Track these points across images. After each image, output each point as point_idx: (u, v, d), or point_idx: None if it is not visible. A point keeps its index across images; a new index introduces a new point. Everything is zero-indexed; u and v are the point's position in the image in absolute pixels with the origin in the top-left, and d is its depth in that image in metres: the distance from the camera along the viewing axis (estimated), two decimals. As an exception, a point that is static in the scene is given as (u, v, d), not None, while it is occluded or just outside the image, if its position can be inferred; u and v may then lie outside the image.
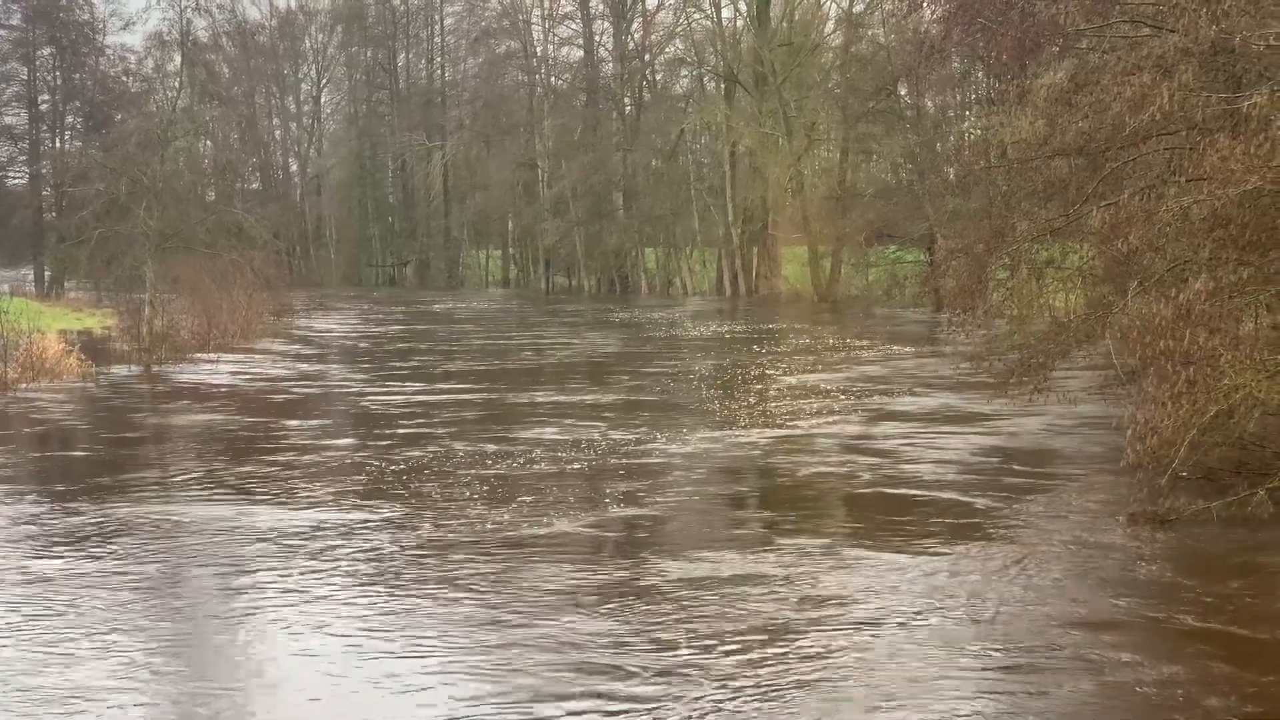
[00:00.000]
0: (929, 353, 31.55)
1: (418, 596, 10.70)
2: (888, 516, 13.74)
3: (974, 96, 55.55)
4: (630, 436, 18.78)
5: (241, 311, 42.09)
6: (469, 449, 17.72)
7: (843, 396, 23.27)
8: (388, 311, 61.67)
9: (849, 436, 18.80)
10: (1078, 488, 14.91)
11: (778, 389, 24.86)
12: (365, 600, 10.61)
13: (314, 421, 21.20)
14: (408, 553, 12.13)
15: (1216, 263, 13.25)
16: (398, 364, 32.12)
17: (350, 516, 13.64)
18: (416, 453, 17.45)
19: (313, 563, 11.78)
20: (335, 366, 31.97)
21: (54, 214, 73.10)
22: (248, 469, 16.67)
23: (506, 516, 13.46)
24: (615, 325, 47.20)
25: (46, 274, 72.71)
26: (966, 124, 52.13)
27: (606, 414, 21.49)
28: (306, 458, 17.41)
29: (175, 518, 13.71)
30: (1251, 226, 13.01)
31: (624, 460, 16.79)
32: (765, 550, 12.07)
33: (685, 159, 75.14)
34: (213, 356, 35.13)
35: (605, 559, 11.93)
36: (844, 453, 17.45)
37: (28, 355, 28.54)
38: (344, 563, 11.78)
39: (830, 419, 20.49)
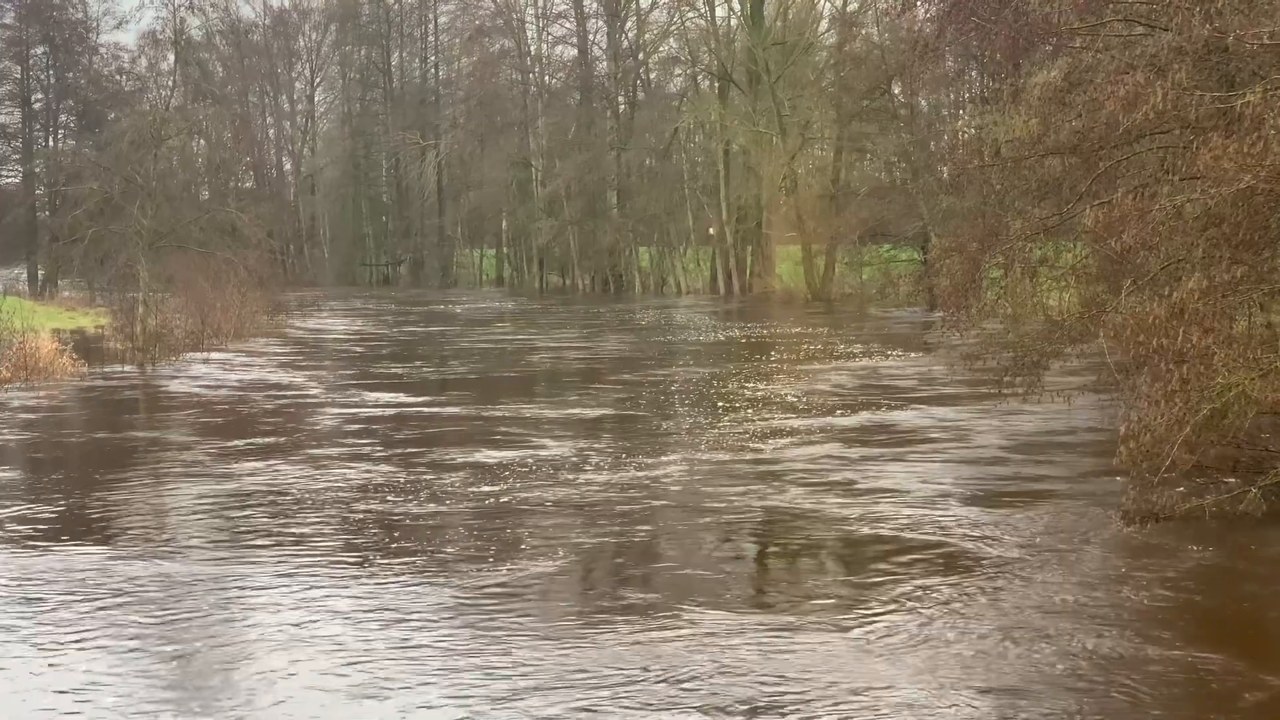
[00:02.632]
0: (919, 358, 30.64)
1: (189, 685, 8.89)
2: (838, 566, 12.11)
3: (968, 95, 55.60)
4: (570, 459, 17.32)
5: (235, 311, 42.08)
6: (393, 476, 16.25)
7: (820, 411, 21.89)
8: (381, 311, 61.60)
9: (815, 461, 17.11)
10: (1066, 504, 14.06)
11: (754, 401, 23.36)
12: (119, 675, 9.00)
13: (259, 439, 19.93)
14: (208, 633, 9.95)
15: (1210, 261, 13.25)
16: (379, 369, 31.58)
17: (191, 569, 11.76)
18: (335, 480, 16.06)
19: (93, 629, 10.06)
20: (316, 372, 31.36)
21: (47, 213, 73.08)
22: (142, 501, 15.30)
23: (376, 570, 11.68)
24: (606, 327, 46.88)
25: (40, 273, 72.65)
26: (960, 123, 52.15)
27: (562, 431, 20.21)
28: (218, 486, 15.96)
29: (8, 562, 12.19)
30: (1245, 225, 13.02)
31: (547, 493, 15.04)
32: (665, 624, 9.89)
33: (679, 158, 75.17)
34: (205, 356, 35.11)
35: (457, 639, 9.63)
36: (804, 484, 15.53)
37: (20, 354, 28.53)
38: (124, 639, 9.84)
39: (800, 439, 18.92)
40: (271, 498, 15.13)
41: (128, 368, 31.98)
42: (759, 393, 24.72)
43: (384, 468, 16.93)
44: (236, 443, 19.56)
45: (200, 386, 28.09)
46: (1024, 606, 10.32)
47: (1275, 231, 13.34)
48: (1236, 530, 12.45)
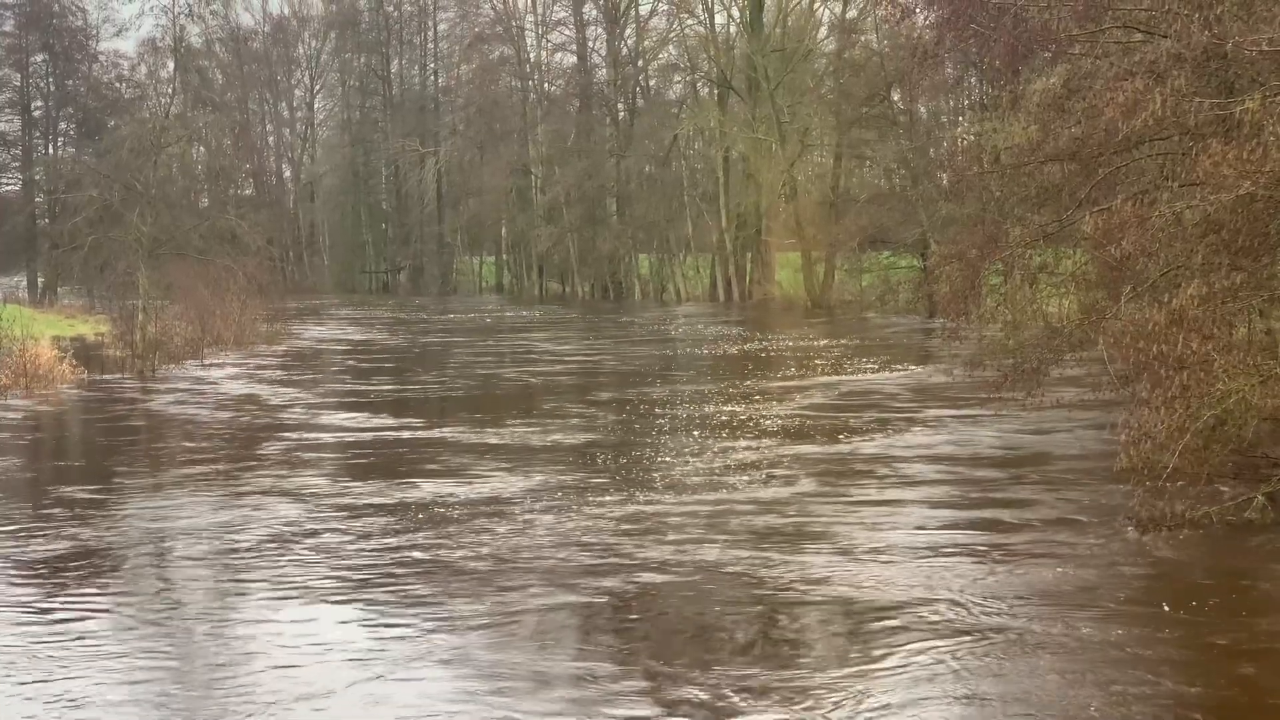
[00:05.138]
0: (915, 370, 29.88)
1: None
2: (774, 648, 10.05)
3: (967, 102, 55.63)
4: (506, 497, 15.67)
5: (235, 318, 42.12)
6: (313, 516, 14.88)
7: (800, 437, 20.21)
8: (381, 319, 61.51)
9: (777, 504, 15.07)
10: (1056, 553, 12.35)
11: (732, 426, 21.49)
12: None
13: (208, 466, 18.55)
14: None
15: (1209, 268, 13.27)
16: (366, 385, 30.43)
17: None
18: (250, 521, 14.70)
19: None
20: (304, 386, 30.50)
21: (47, 220, 73.14)
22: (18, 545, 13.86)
23: (204, 649, 10.27)
24: (603, 337, 46.37)
25: (40, 280, 72.69)
26: (960, 129, 52.27)
27: (515, 461, 18.49)
28: (103, 533, 14.47)
29: None
30: (1244, 232, 13.04)
31: (460, 547, 13.19)
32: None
33: (679, 165, 75.20)
34: (203, 364, 35.15)
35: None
36: (756, 533, 13.51)
37: (20, 362, 28.55)
38: None
39: (769, 473, 16.99)
40: (166, 544, 13.83)
41: (125, 377, 32.00)
42: (740, 415, 22.92)
43: (284, 509, 15.35)
44: (179, 471, 18.49)
45: (186, 401, 27.58)
46: (999, 703, 8.73)
47: (1275, 238, 13.34)
48: (1246, 557, 12.07)
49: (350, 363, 37.74)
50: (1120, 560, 12.10)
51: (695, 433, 21.11)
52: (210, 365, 34.98)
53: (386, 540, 13.59)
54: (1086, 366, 19.77)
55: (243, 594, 11.89)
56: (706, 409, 24.11)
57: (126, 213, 46.24)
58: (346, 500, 15.90)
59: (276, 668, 9.67)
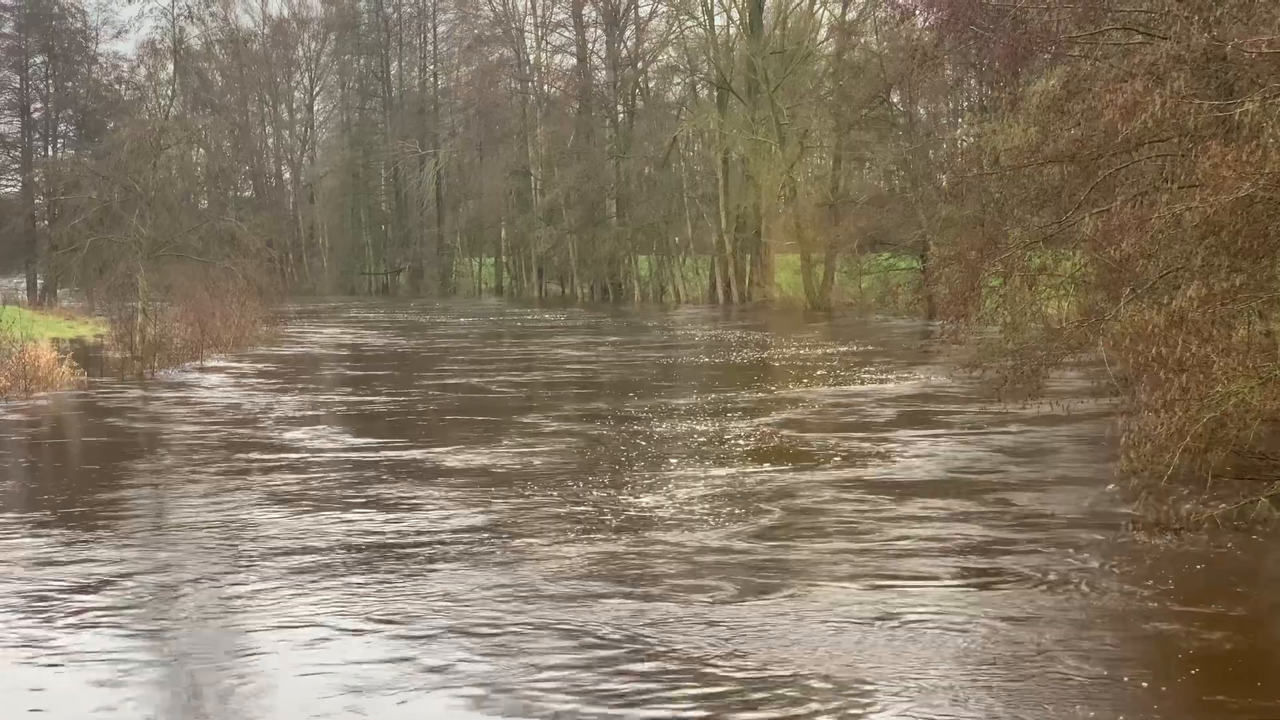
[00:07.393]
0: (912, 377, 29.39)
1: None
2: None
3: (966, 104, 55.65)
4: (433, 535, 14.10)
5: (234, 320, 42.13)
6: (188, 561, 13.19)
7: (780, 458, 18.64)
8: (379, 322, 61.43)
9: (725, 555, 13.01)
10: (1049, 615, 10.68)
11: (708, 450, 19.81)
12: None
13: (138, 490, 17.80)
14: None
15: (1209, 270, 13.26)
16: (350, 392, 29.59)
17: None
18: (127, 557, 13.37)
19: None
20: (289, 393, 29.90)
21: (46, 222, 73.05)
22: None
23: None
24: (596, 342, 45.95)
25: (39, 282, 72.70)
26: (959, 131, 52.26)
27: (462, 489, 16.94)
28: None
29: None
30: (1244, 233, 13.03)
31: (363, 604, 11.49)
32: None
33: (678, 167, 75.22)
34: (201, 367, 35.12)
35: None
36: (683, 594, 11.45)
37: (19, 364, 28.54)
38: None
39: (731, 509, 15.14)
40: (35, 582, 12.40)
41: (124, 379, 31.95)
42: (723, 434, 21.38)
43: (192, 549, 13.73)
44: (116, 495, 17.44)
45: (170, 412, 26.86)
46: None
47: (1274, 239, 13.33)
48: (1255, 592, 11.41)
49: (342, 369, 37.42)
50: (1113, 599, 11.03)
51: (672, 459, 19.16)
52: (208, 369, 34.95)
53: (266, 591, 11.90)
54: (1086, 369, 19.72)
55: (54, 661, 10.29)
56: (686, 426, 22.57)
57: (126, 215, 46.22)
58: (253, 543, 13.99)
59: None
